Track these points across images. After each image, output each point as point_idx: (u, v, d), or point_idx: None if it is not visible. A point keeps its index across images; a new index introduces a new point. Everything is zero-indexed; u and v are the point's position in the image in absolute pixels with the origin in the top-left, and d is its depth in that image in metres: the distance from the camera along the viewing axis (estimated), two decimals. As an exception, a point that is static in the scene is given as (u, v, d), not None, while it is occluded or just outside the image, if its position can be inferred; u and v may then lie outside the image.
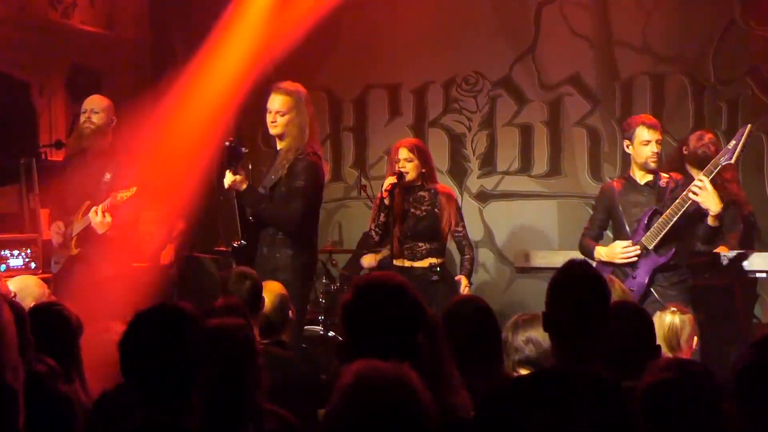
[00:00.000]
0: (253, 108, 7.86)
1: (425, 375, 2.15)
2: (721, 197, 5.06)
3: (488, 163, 7.56)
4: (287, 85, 5.41)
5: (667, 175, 5.29)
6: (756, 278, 5.86)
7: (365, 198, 7.11)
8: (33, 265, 5.95)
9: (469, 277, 5.67)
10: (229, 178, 5.25)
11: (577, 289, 2.74)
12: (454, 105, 7.63)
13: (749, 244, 6.02)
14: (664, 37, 7.04)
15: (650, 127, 5.22)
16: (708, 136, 5.98)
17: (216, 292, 4.61)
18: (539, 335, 3.31)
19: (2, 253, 5.92)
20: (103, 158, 5.69)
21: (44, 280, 4.96)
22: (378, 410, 2.00)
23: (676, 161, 6.06)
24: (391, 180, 5.53)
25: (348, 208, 7.80)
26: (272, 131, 5.36)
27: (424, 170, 5.66)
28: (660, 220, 5.12)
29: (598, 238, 5.50)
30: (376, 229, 5.62)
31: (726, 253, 5.64)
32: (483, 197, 7.59)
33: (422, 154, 5.68)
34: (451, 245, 5.88)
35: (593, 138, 7.27)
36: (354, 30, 7.80)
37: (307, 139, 5.30)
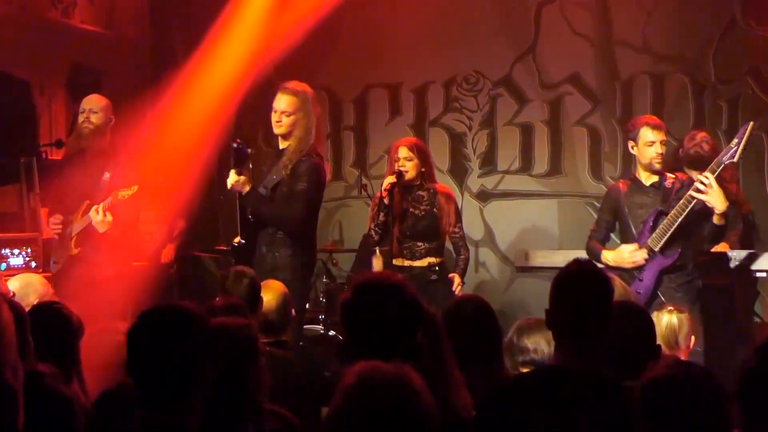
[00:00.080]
0: (253, 107, 7.87)
1: (426, 375, 2.16)
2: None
3: (489, 163, 7.56)
4: (294, 85, 5.40)
5: (673, 176, 5.25)
6: (756, 277, 5.86)
7: (366, 197, 7.11)
8: (33, 264, 5.94)
9: (462, 276, 5.67)
10: (232, 179, 5.25)
11: (580, 288, 2.75)
12: (454, 104, 7.63)
13: (749, 243, 6.02)
14: (664, 36, 7.04)
15: (654, 127, 5.19)
16: (700, 135, 5.95)
17: (216, 291, 4.62)
18: (545, 339, 3.31)
19: (3, 252, 5.92)
20: (102, 158, 5.69)
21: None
22: (380, 411, 2.01)
23: (676, 162, 6.05)
24: (390, 179, 5.53)
25: (348, 207, 7.80)
26: (277, 131, 5.36)
27: (423, 170, 5.66)
28: (665, 221, 5.08)
29: (605, 240, 5.46)
30: (376, 229, 5.63)
31: (733, 253, 5.63)
32: (483, 196, 7.59)
33: (422, 154, 5.69)
34: (448, 245, 5.87)
35: (594, 137, 7.27)
36: (354, 29, 7.80)
37: (312, 140, 5.31)
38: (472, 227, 7.45)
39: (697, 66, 6.95)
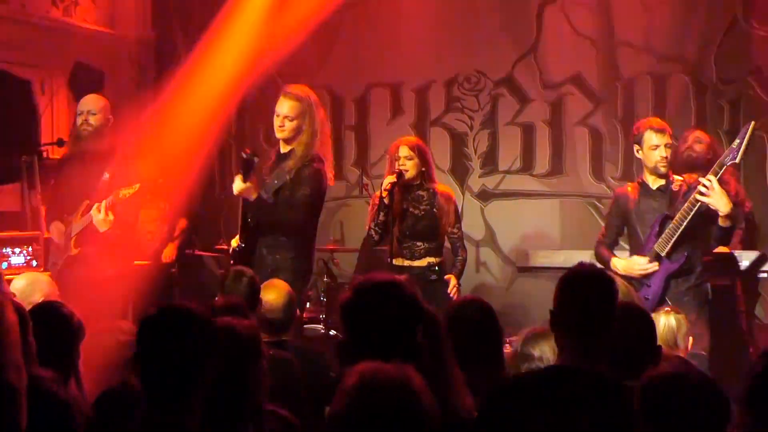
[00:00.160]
0: (254, 106, 7.88)
1: (426, 375, 2.17)
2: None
3: (490, 162, 7.56)
4: (297, 90, 5.41)
5: (680, 178, 5.18)
6: (758, 278, 5.85)
7: (367, 197, 7.11)
8: (35, 263, 5.94)
9: (459, 277, 5.67)
10: (239, 186, 5.22)
11: (586, 289, 2.75)
12: (455, 104, 7.62)
13: (751, 243, 6.01)
14: (666, 36, 7.04)
15: (658, 131, 5.13)
16: (692, 136, 5.91)
17: (216, 291, 4.63)
18: (550, 347, 3.31)
19: (4, 250, 5.92)
20: (102, 158, 5.67)
21: (44, 279, 4.94)
22: (381, 411, 2.02)
23: (676, 164, 6.04)
24: (390, 179, 5.53)
25: (350, 206, 7.80)
26: (279, 135, 5.37)
27: (423, 169, 5.66)
28: (671, 225, 5.02)
29: (614, 245, 5.41)
30: (376, 228, 5.63)
31: (739, 253, 5.60)
32: (484, 196, 7.59)
33: (422, 154, 5.69)
34: (447, 244, 5.87)
35: (595, 137, 7.27)
36: (356, 29, 7.80)
37: (317, 146, 5.32)
38: (473, 227, 7.45)
39: (698, 66, 6.95)
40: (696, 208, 4.94)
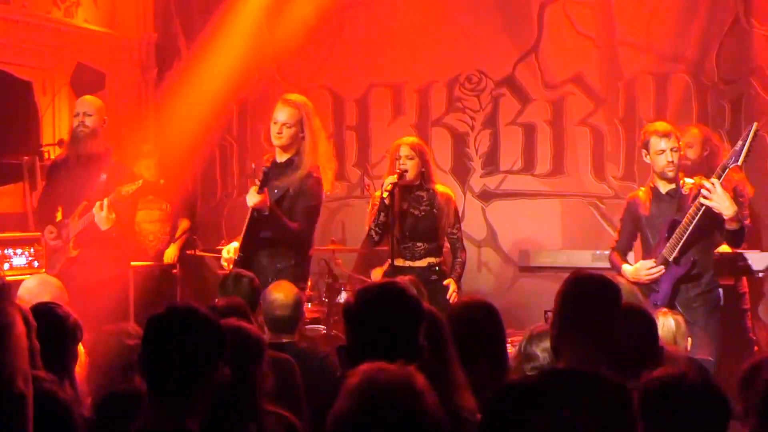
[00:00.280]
0: (256, 106, 7.88)
1: (430, 376, 2.17)
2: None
3: (491, 162, 7.56)
4: (295, 97, 5.45)
5: (691, 181, 5.10)
6: (762, 278, 5.84)
7: (368, 197, 7.11)
8: (36, 263, 5.94)
9: (458, 280, 5.65)
10: (255, 198, 5.18)
11: (587, 292, 2.75)
12: (457, 104, 7.62)
13: (756, 242, 6.00)
14: (667, 36, 7.04)
15: (663, 135, 5.07)
16: (685, 142, 5.80)
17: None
18: None
19: (6, 251, 5.92)
20: (98, 159, 5.65)
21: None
22: (384, 411, 2.03)
23: None
24: (392, 179, 5.53)
25: (351, 207, 7.80)
26: (277, 142, 5.37)
27: (423, 170, 5.66)
28: (678, 229, 4.98)
29: (627, 250, 5.36)
30: (376, 229, 5.63)
31: (747, 253, 5.58)
32: (486, 196, 7.59)
33: (423, 154, 5.69)
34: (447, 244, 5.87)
35: (596, 137, 7.27)
36: (357, 29, 7.80)
37: (316, 155, 5.34)
38: (475, 227, 7.45)
39: (699, 66, 6.94)
40: (701, 212, 4.88)
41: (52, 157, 6.46)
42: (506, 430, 2.64)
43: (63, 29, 7.28)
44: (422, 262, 5.66)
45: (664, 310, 4.07)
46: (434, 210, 5.66)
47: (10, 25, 6.81)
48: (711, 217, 4.90)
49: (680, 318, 4.02)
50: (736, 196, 5.41)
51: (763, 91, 6.76)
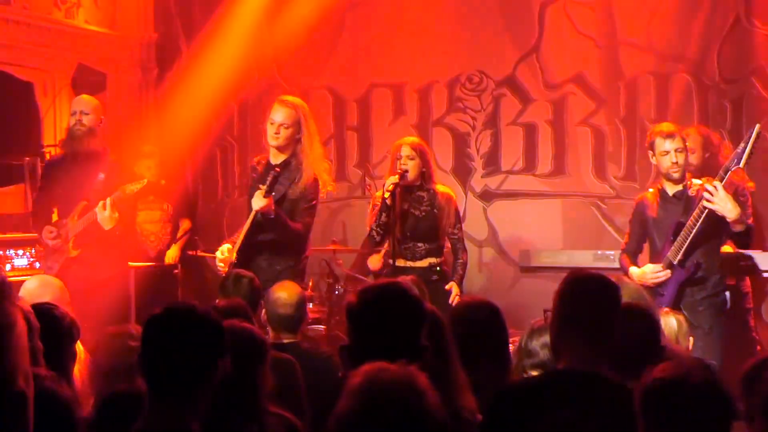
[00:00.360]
0: (256, 107, 7.88)
1: (431, 376, 2.17)
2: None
3: (492, 163, 7.56)
4: (292, 99, 5.47)
5: (699, 182, 5.05)
6: (766, 277, 5.84)
7: (369, 197, 7.11)
8: (37, 264, 5.94)
9: (460, 283, 5.65)
10: (262, 202, 5.18)
11: (585, 292, 2.75)
12: (458, 104, 7.62)
13: (758, 242, 5.99)
14: (668, 36, 7.03)
15: (667, 136, 5.04)
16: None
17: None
18: None
19: (7, 252, 5.92)
20: (95, 158, 5.64)
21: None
22: (386, 411, 2.03)
23: None
24: (393, 179, 5.53)
25: (352, 207, 7.80)
26: (274, 143, 5.37)
27: (424, 170, 5.66)
28: (682, 232, 4.95)
29: (637, 253, 5.33)
30: (377, 229, 5.64)
31: (753, 254, 5.57)
32: (487, 196, 7.58)
33: (424, 154, 5.69)
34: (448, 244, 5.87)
35: (597, 137, 7.27)
36: (358, 29, 7.80)
37: (313, 157, 5.35)
38: (476, 227, 7.45)
39: (701, 65, 6.94)
40: (704, 214, 4.86)
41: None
42: (507, 431, 2.64)
43: (64, 30, 7.29)
44: (423, 263, 5.66)
45: (666, 309, 4.07)
46: (435, 210, 5.67)
47: (11, 26, 6.82)
48: (715, 220, 4.87)
49: (681, 317, 4.02)
50: (737, 196, 5.39)
51: (764, 90, 6.75)
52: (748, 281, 5.82)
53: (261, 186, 5.20)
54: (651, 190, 5.36)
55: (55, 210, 5.65)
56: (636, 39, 7.12)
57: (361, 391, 2.06)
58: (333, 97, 7.91)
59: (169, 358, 2.44)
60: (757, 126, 4.87)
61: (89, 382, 3.33)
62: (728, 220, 4.83)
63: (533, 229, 7.44)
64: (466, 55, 7.55)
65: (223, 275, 5.00)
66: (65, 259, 5.57)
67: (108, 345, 3.30)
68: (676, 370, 2.39)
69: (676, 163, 5.04)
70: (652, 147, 5.12)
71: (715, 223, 4.90)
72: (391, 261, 5.61)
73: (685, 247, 4.94)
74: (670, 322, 3.94)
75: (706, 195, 4.82)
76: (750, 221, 5.11)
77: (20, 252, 5.97)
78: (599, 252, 6.87)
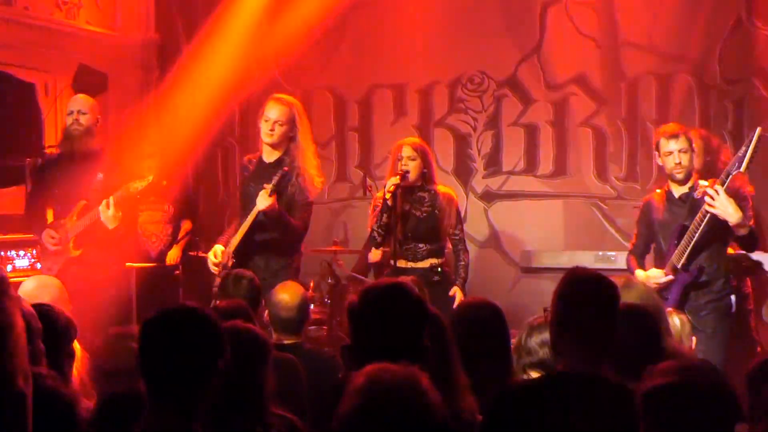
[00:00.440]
0: (258, 108, 7.87)
1: (431, 377, 2.17)
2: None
3: (493, 163, 7.56)
4: (286, 96, 5.52)
5: (706, 183, 4.99)
6: (766, 278, 5.84)
7: (370, 198, 7.11)
8: (39, 265, 5.93)
9: (463, 286, 5.64)
10: (268, 201, 5.19)
11: (583, 293, 2.74)
12: (459, 105, 7.62)
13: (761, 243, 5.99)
14: (670, 36, 7.03)
15: (670, 137, 5.02)
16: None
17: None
18: None
19: (8, 253, 5.92)
20: (94, 158, 5.63)
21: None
22: (389, 411, 2.04)
23: None
24: (394, 180, 5.54)
25: (353, 208, 7.80)
26: (268, 140, 5.38)
27: (425, 171, 5.67)
28: (686, 235, 4.93)
29: (644, 254, 5.32)
30: (379, 230, 5.64)
31: (759, 255, 5.57)
32: (488, 197, 7.59)
33: (425, 155, 5.70)
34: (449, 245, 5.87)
35: (599, 138, 7.27)
36: (359, 30, 7.80)
37: (307, 154, 5.38)
38: (477, 228, 7.45)
39: (702, 66, 6.94)
40: (707, 218, 4.85)
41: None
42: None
43: (65, 31, 7.29)
44: (424, 263, 5.66)
45: (669, 309, 4.05)
46: (436, 211, 5.67)
47: (13, 27, 6.82)
48: (719, 224, 4.86)
49: (685, 317, 4.01)
50: (737, 200, 5.40)
51: (766, 91, 6.75)
52: (748, 282, 5.82)
53: (266, 185, 5.21)
54: (658, 190, 5.34)
55: (50, 210, 5.64)
56: (637, 39, 7.12)
57: (363, 391, 2.07)
58: (334, 97, 7.91)
59: (165, 361, 2.43)
60: (758, 130, 4.84)
61: (88, 380, 3.33)
62: (730, 224, 4.82)
63: (534, 230, 7.44)
64: (468, 56, 7.55)
65: (220, 275, 5.02)
66: (66, 259, 5.56)
67: (111, 346, 3.29)
68: (679, 372, 2.39)
69: (680, 163, 5.02)
70: (657, 148, 5.11)
71: (718, 227, 4.88)
72: (392, 262, 5.61)
73: (688, 251, 4.93)
74: (673, 322, 3.94)
75: (707, 199, 4.80)
76: (751, 222, 5.10)
77: (21, 253, 5.96)
78: (600, 253, 6.88)
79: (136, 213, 5.84)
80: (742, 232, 4.87)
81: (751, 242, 5.02)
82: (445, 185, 6.05)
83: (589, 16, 7.25)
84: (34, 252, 5.96)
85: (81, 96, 5.92)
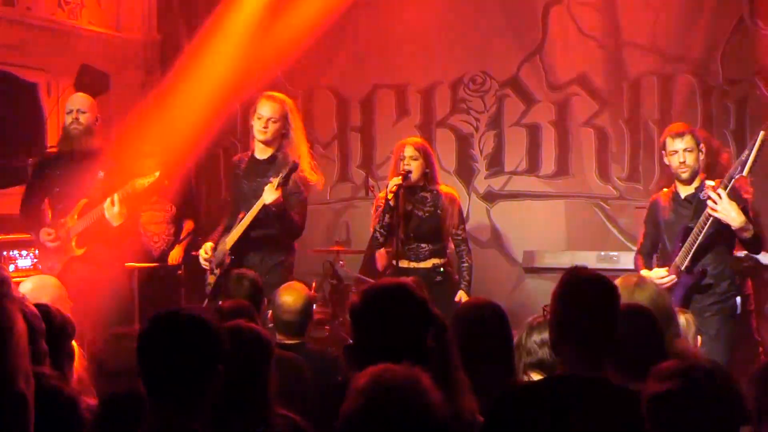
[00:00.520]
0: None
1: (433, 377, 2.17)
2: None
3: (496, 164, 7.56)
4: (277, 94, 5.55)
5: (712, 183, 4.96)
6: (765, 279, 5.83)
7: (373, 198, 7.11)
8: (41, 265, 5.94)
9: (467, 289, 5.63)
10: (275, 195, 5.20)
11: (582, 294, 2.74)
12: (461, 105, 7.63)
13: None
14: (672, 37, 7.04)
15: (675, 136, 5.01)
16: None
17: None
18: None
19: (11, 253, 5.92)
20: (94, 157, 5.62)
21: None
22: (392, 411, 2.04)
23: None
24: (396, 181, 5.54)
25: (355, 208, 7.81)
26: (261, 137, 5.41)
27: (427, 171, 5.67)
28: (689, 237, 4.92)
29: (652, 253, 5.30)
30: (381, 231, 5.64)
31: (760, 256, 5.56)
32: (490, 197, 7.59)
33: (427, 155, 5.70)
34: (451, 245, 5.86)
35: (601, 138, 7.27)
36: (362, 30, 7.81)
37: (302, 150, 5.41)
38: (479, 228, 7.45)
39: (704, 66, 6.94)
40: (710, 221, 4.84)
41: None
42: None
43: (67, 31, 7.29)
44: (427, 264, 5.66)
45: (676, 309, 4.04)
46: (438, 211, 5.67)
47: (15, 27, 6.82)
48: (722, 226, 4.85)
49: (690, 317, 3.98)
50: (739, 202, 5.40)
51: (768, 91, 6.76)
52: (749, 283, 5.81)
53: (273, 179, 5.22)
54: (665, 190, 5.32)
55: (50, 210, 5.64)
56: (640, 40, 7.12)
57: (365, 392, 2.08)
58: (336, 97, 7.92)
59: (164, 365, 2.42)
60: (762, 134, 4.80)
61: (86, 378, 3.33)
62: (733, 227, 4.81)
63: (536, 230, 7.44)
64: (470, 56, 7.55)
65: (213, 273, 5.04)
66: (69, 258, 5.56)
67: (113, 346, 3.29)
68: (683, 374, 2.38)
69: (684, 162, 5.01)
70: (664, 147, 5.11)
71: (722, 230, 4.88)
72: (394, 262, 5.61)
73: (692, 252, 4.92)
74: (680, 321, 3.92)
75: (710, 203, 4.80)
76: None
77: (24, 253, 5.96)
78: (602, 253, 6.87)
79: (138, 212, 5.84)
80: (746, 235, 4.86)
81: (755, 245, 5.00)
82: (448, 185, 6.05)
83: (591, 17, 7.25)
84: (37, 252, 5.96)
85: (80, 94, 5.91)
